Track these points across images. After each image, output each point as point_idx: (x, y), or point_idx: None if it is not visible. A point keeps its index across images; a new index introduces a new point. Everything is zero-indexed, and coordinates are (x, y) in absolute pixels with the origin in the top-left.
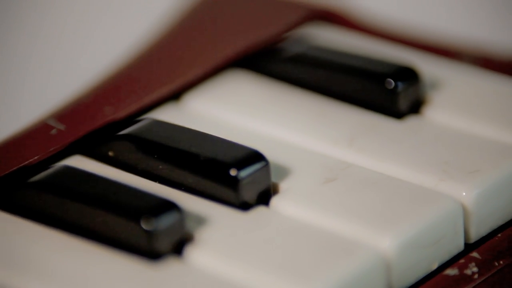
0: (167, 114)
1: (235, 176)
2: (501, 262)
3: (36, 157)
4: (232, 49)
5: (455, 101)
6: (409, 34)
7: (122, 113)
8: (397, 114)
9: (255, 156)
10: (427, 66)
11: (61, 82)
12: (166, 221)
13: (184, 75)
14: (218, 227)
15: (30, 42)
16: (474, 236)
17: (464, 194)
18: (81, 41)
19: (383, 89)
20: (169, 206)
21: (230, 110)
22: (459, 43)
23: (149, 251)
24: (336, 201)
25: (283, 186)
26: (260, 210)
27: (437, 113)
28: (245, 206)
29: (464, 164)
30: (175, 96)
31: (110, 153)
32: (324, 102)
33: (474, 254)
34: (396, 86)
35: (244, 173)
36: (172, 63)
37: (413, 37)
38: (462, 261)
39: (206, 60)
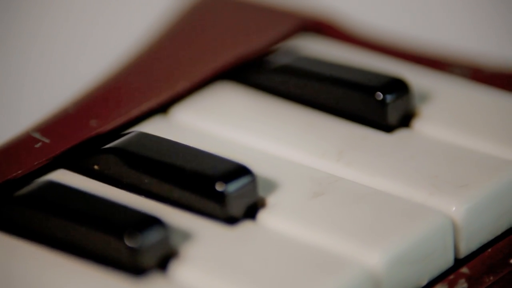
0: (155, 127)
1: (221, 190)
2: (491, 277)
3: (20, 172)
4: (220, 61)
5: (445, 114)
6: (400, 45)
7: (108, 126)
8: (387, 127)
9: (242, 170)
10: (417, 79)
11: (47, 96)
12: (150, 237)
13: (171, 88)
14: (203, 242)
15: (13, 56)
16: (464, 251)
17: (454, 209)
18: (69, 51)
19: (372, 101)
20: (153, 222)
21: (218, 123)
22: (449, 54)
23: (133, 267)
24: (324, 216)
25: (270, 200)
26: (246, 225)
27: (427, 126)
28: (231, 220)
29: (454, 178)
30: (163, 109)
31: (96, 167)
32: (313, 114)
33: (464, 269)
34: (385, 99)
35: (230, 187)
36: (160, 75)
37: (403, 48)
38: (451, 277)
39: (194, 72)
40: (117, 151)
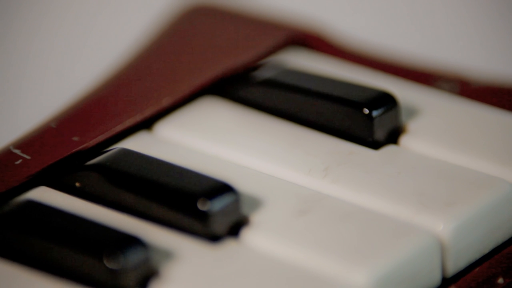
0: (139, 143)
1: (203, 209)
2: None
3: None
4: (205, 76)
5: (433, 130)
6: (388, 59)
7: (91, 142)
8: (373, 142)
9: (224, 188)
10: (405, 93)
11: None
12: (130, 258)
13: (156, 104)
14: (185, 262)
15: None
16: (452, 270)
17: (441, 227)
18: (53, 64)
19: (358, 116)
20: (134, 242)
21: (203, 139)
22: (437, 68)
23: (113, 287)
24: (310, 235)
25: (254, 218)
26: (229, 244)
27: (415, 142)
28: (214, 238)
29: (441, 195)
30: (147, 124)
31: (77, 184)
32: (299, 130)
33: None
34: (371, 114)
35: (212, 206)
36: (144, 90)
37: (392, 62)
38: None
39: (179, 88)
40: (99, 168)
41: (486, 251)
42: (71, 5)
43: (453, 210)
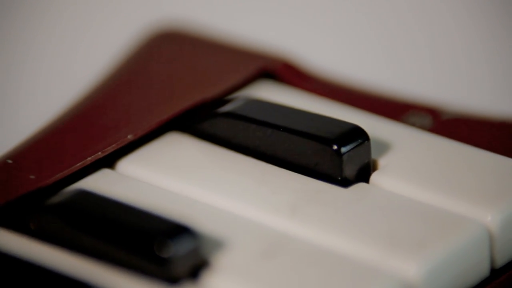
0: (101, 182)
1: (160, 254)
2: None
3: None
4: (170, 111)
5: (405, 167)
6: (361, 91)
7: (48, 181)
8: (342, 180)
9: (184, 231)
10: (376, 128)
11: None
12: None
13: (118, 140)
14: None
15: None
16: None
17: (412, 272)
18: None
19: (326, 152)
20: None
21: (166, 177)
22: (410, 101)
23: None
24: (274, 280)
25: (216, 261)
26: None
27: (386, 179)
28: (173, 282)
29: (412, 236)
30: (110, 162)
31: (32, 226)
32: (265, 167)
33: None
34: (339, 150)
35: (171, 250)
36: (106, 126)
37: (365, 94)
38: None
39: (142, 124)
40: (55, 210)
41: None
42: (40, 34)
43: (425, 253)
